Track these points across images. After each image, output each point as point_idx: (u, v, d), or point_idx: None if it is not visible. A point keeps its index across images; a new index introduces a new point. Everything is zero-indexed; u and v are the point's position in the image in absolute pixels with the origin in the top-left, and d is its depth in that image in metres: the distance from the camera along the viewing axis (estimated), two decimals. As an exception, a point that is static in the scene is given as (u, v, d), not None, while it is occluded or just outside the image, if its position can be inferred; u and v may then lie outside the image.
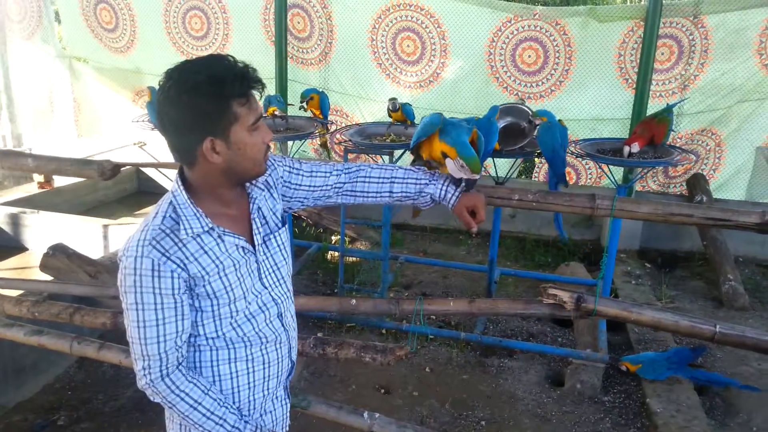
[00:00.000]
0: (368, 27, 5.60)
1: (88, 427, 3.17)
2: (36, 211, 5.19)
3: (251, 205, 1.55)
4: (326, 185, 1.76)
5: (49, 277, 3.74)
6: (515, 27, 5.26)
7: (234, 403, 1.56)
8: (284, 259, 1.62)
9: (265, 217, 1.58)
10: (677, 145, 4.55)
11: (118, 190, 6.55)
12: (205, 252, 1.43)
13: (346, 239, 5.49)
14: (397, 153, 3.98)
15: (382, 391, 3.52)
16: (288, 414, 1.74)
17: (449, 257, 5.34)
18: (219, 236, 1.45)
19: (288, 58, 5.72)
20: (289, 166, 1.70)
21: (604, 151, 3.66)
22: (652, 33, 4.82)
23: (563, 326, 4.25)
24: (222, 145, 1.39)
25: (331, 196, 1.80)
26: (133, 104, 6.53)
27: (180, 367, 1.47)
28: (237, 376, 1.55)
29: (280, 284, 1.61)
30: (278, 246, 1.60)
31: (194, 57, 1.44)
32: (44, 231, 4.94)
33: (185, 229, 1.40)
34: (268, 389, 1.62)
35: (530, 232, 5.62)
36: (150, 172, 6.59)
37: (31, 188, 5.96)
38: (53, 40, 6.53)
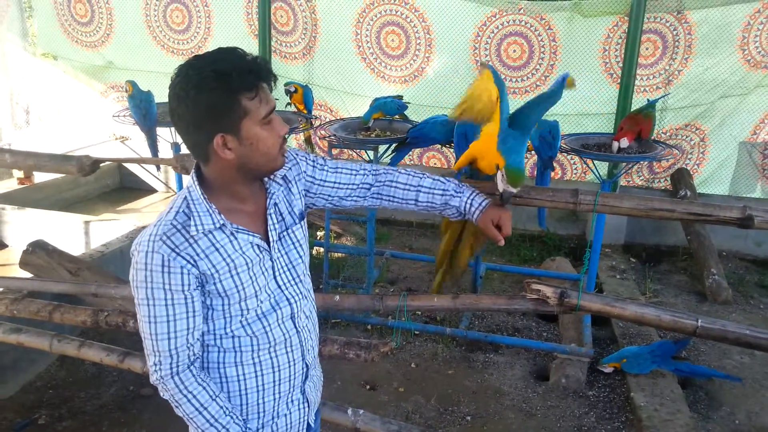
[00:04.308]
0: (352, 21, 5.57)
1: (70, 426, 3.13)
2: (15, 207, 5.11)
3: (268, 200, 1.52)
4: (352, 184, 1.73)
5: (28, 275, 3.68)
6: (500, 22, 5.25)
7: (242, 405, 1.53)
8: (300, 256, 1.58)
9: (281, 213, 1.55)
10: (662, 140, 4.57)
11: (100, 185, 6.48)
12: (216, 249, 1.40)
13: (332, 235, 5.46)
14: (382, 148, 3.96)
15: (368, 387, 3.51)
16: (305, 418, 1.66)
17: (435, 253, 5.32)
18: (232, 233, 1.43)
19: (272, 53, 5.67)
20: (313, 161, 1.68)
21: (589, 146, 3.66)
22: (637, 28, 4.84)
23: (548, 321, 4.26)
24: (233, 140, 1.36)
25: (359, 198, 1.77)
26: (104, 98, 6.49)
27: (191, 367, 1.45)
28: (244, 379, 1.52)
29: (296, 283, 1.57)
30: (293, 243, 1.56)
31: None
32: (24, 227, 4.87)
33: (195, 225, 1.38)
34: (279, 393, 1.57)
35: (516, 226, 5.62)
36: (133, 167, 6.53)
37: (10, 184, 5.89)
38: (25, 35, 6.46)
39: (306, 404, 1.66)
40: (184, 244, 1.37)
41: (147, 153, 4.25)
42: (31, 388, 3.42)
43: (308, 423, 1.69)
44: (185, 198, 1.43)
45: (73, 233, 4.74)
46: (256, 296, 1.47)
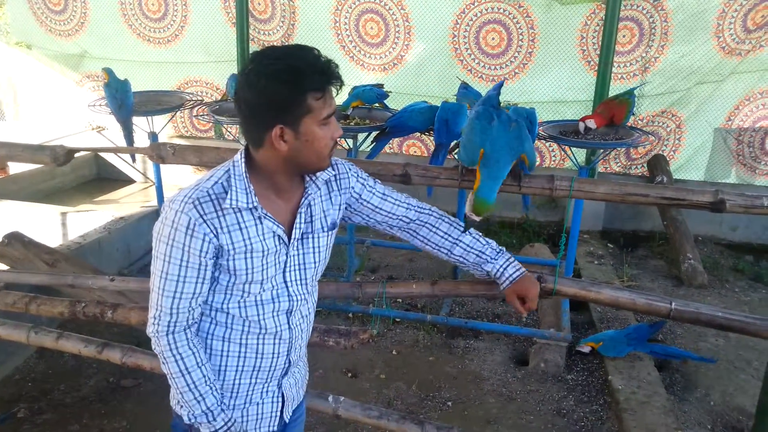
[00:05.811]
0: (331, 8, 5.53)
1: (50, 419, 3.11)
2: (-9, 199, 5.04)
3: (303, 199, 1.55)
4: (393, 214, 1.77)
5: (4, 267, 3.64)
6: (479, 9, 5.26)
7: (219, 380, 1.57)
8: (314, 262, 1.61)
9: (312, 215, 1.58)
10: (638, 126, 4.62)
11: (76, 176, 6.38)
12: (240, 228, 1.45)
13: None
14: (361, 137, 3.95)
15: (349, 374, 3.52)
16: (278, 413, 1.68)
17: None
18: (259, 217, 1.47)
19: (249, 41, 5.62)
20: (364, 180, 1.72)
21: (566, 133, 3.68)
22: (614, 15, 4.86)
23: (528, 307, 4.30)
24: (291, 134, 1.41)
25: (394, 227, 1.80)
26: (79, 87, 6.40)
27: (188, 330, 1.50)
28: (227, 356, 1.57)
29: (301, 284, 1.60)
30: (313, 247, 1.60)
31: (262, 45, 1.41)
32: (-1, 219, 4.80)
33: (231, 199, 1.43)
34: (256, 379, 1.61)
35: (495, 213, 5.66)
36: (110, 158, 6.44)
37: (-15, 176, 5.79)
38: None
39: (281, 399, 1.68)
40: (212, 214, 1.42)
41: (123, 143, 4.19)
42: (9, 382, 3.39)
43: (283, 419, 1.71)
44: (228, 171, 1.47)
45: (49, 225, 4.69)
46: (261, 284, 1.52)
